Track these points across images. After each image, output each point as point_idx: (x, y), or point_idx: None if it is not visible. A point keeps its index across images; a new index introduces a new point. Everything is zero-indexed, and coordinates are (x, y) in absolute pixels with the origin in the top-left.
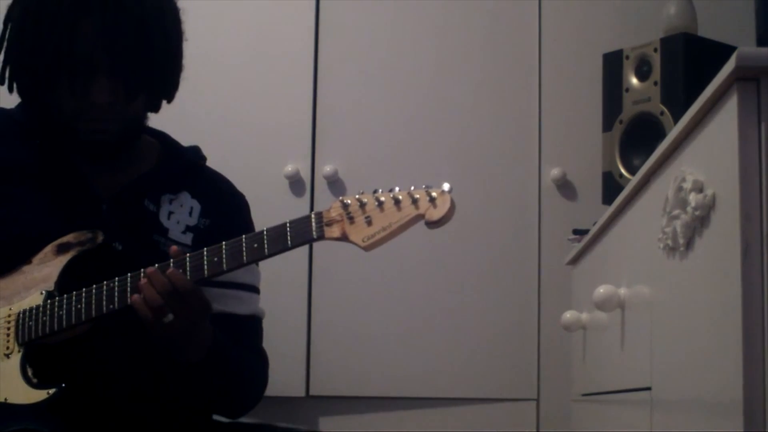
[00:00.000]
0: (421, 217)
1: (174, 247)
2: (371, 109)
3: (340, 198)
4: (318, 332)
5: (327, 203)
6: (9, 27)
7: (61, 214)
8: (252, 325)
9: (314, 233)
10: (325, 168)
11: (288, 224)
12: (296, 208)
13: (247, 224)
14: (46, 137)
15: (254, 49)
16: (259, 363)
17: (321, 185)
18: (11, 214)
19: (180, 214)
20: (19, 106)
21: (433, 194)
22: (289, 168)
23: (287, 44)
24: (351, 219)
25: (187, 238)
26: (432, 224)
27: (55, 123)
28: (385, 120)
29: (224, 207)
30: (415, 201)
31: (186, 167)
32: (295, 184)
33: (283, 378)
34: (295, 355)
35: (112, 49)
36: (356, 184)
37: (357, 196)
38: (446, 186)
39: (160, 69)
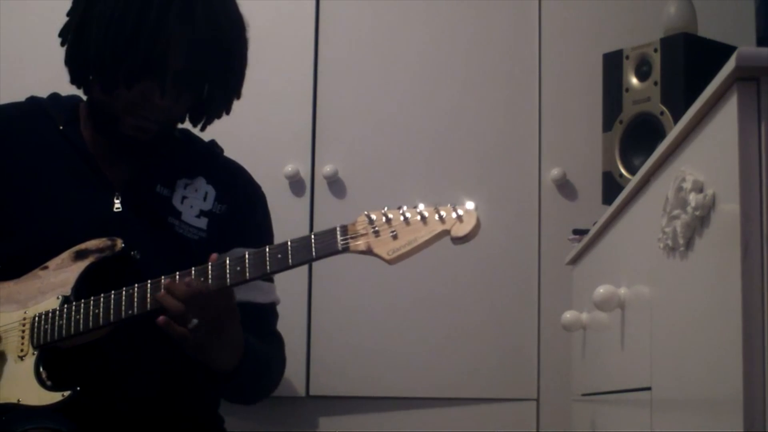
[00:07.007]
0: (446, 232)
1: (214, 255)
2: (371, 109)
3: (365, 212)
4: (318, 332)
5: (327, 203)
6: (87, 21)
7: (75, 208)
8: (271, 311)
9: (339, 246)
10: (325, 168)
11: (313, 236)
12: (296, 208)
13: (263, 215)
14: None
15: (254, 49)
16: (279, 348)
17: (321, 185)
18: (27, 215)
19: (193, 198)
20: (52, 95)
21: (460, 211)
22: (289, 168)
23: (287, 44)
24: (377, 233)
25: (202, 223)
26: (458, 240)
27: (101, 113)
28: (385, 120)
29: (240, 195)
30: (441, 217)
31: (201, 154)
32: (295, 184)
33: (283, 378)
34: (295, 355)
35: (191, 60)
36: (356, 184)
37: (382, 211)
38: (471, 204)
39: (225, 85)
